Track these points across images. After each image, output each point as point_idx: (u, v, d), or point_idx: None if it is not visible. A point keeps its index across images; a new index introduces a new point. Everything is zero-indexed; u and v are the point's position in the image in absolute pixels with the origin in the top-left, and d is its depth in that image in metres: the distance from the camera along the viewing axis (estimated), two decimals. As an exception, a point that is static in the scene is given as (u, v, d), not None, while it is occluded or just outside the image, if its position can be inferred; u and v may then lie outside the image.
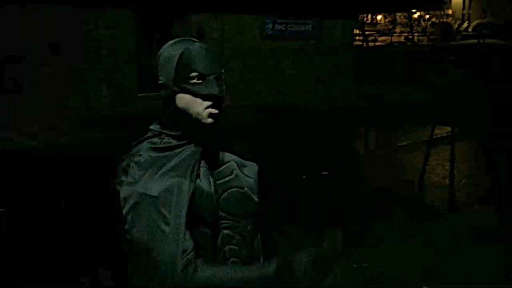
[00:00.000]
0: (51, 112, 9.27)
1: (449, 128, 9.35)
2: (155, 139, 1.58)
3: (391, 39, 31.34)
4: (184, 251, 1.44)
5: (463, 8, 41.91)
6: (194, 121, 1.54)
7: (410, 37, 30.77)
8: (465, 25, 35.91)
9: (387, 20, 40.98)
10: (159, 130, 1.60)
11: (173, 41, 1.60)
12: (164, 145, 1.55)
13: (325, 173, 7.20)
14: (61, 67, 9.49)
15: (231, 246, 1.57)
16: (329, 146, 8.93)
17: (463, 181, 7.08)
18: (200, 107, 1.53)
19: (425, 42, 30.34)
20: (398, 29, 35.81)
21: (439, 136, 9.15)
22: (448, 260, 4.55)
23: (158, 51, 1.63)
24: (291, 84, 12.85)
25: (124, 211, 1.49)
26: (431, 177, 7.21)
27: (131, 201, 1.48)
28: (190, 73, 1.52)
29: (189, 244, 1.46)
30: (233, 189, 1.60)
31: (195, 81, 1.52)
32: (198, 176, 1.53)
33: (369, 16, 43.45)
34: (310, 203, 6.01)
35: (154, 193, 1.47)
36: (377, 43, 27.89)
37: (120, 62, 10.34)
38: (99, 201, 3.73)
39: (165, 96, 1.58)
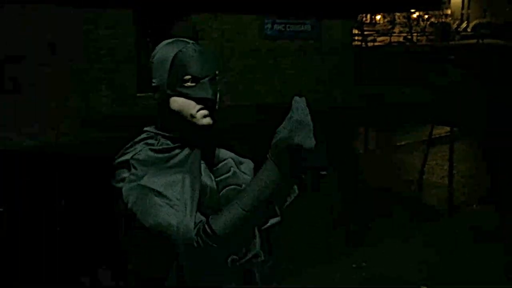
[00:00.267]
0: (51, 112, 9.27)
1: (448, 128, 9.39)
2: (151, 141, 1.58)
3: (390, 39, 31.37)
4: (200, 221, 1.45)
5: (462, 8, 41.96)
6: (189, 123, 1.54)
7: (409, 37, 30.80)
8: (464, 25, 35.96)
9: (386, 20, 40.95)
10: (155, 132, 1.60)
11: (166, 42, 1.59)
12: (161, 147, 1.55)
13: (324, 172, 7.19)
14: (61, 67, 9.49)
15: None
16: (329, 146, 8.91)
17: (462, 180, 7.09)
18: (194, 110, 1.52)
19: (424, 42, 30.36)
20: (397, 29, 35.81)
21: (438, 136, 9.18)
22: (448, 260, 4.55)
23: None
24: (291, 84, 12.85)
25: (129, 206, 1.48)
26: (430, 177, 7.21)
27: (135, 195, 1.48)
28: (184, 76, 1.51)
29: (202, 218, 1.46)
30: (231, 187, 1.60)
31: (188, 84, 1.52)
32: (201, 173, 1.54)
33: (368, 16, 43.47)
34: (309, 203, 6.00)
35: (158, 188, 1.47)
36: (376, 43, 27.93)
37: (119, 62, 10.34)
38: (98, 201, 3.74)
39: (158, 98, 1.58)
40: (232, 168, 1.63)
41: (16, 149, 7.97)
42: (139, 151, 1.54)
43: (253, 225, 1.60)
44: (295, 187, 1.71)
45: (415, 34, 32.71)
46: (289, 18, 12.82)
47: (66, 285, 4.09)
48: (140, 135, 1.61)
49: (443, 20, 36.64)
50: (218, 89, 1.57)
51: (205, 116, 1.53)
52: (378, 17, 44.96)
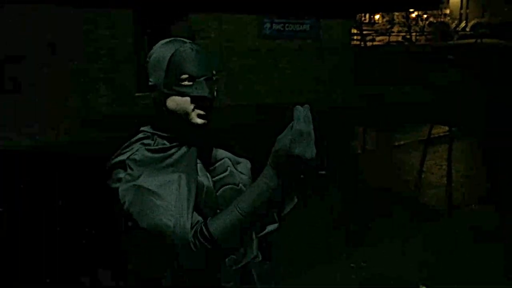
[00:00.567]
0: (51, 112, 9.26)
1: (447, 128, 9.40)
2: (147, 141, 1.58)
3: (389, 38, 31.38)
4: (197, 222, 1.46)
5: (461, 7, 41.97)
6: (185, 122, 1.55)
7: (408, 36, 30.79)
8: (463, 24, 35.94)
9: (385, 19, 40.96)
10: (151, 131, 1.60)
11: (163, 41, 1.60)
12: (158, 147, 1.56)
13: (322, 172, 7.20)
14: (61, 67, 9.48)
15: None
16: (328, 146, 8.93)
17: (461, 180, 7.10)
18: (190, 108, 1.54)
19: (423, 42, 30.37)
20: (396, 29, 35.82)
21: (436, 135, 9.18)
22: (447, 260, 4.56)
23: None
24: (290, 84, 12.85)
25: (125, 206, 1.49)
26: (429, 176, 7.22)
27: (131, 195, 1.48)
28: (181, 75, 1.52)
29: (199, 218, 1.47)
30: (228, 186, 1.61)
31: (185, 83, 1.53)
32: (197, 173, 1.54)
33: (367, 15, 43.48)
34: (308, 202, 6.02)
35: (154, 188, 1.47)
36: (375, 43, 27.94)
37: (119, 62, 10.34)
38: (98, 201, 3.74)
39: (155, 97, 1.59)
40: (229, 168, 1.64)
41: (16, 149, 7.98)
42: (136, 151, 1.55)
43: (251, 229, 1.61)
44: (294, 195, 1.72)
45: (414, 34, 32.71)
46: (288, 18, 12.82)
47: (66, 285, 4.10)
48: (136, 135, 1.62)
49: (441, 19, 36.69)
50: (215, 89, 1.58)
51: (200, 115, 1.54)
52: (377, 16, 44.95)
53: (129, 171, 1.51)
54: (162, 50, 1.56)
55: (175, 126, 1.57)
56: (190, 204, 1.46)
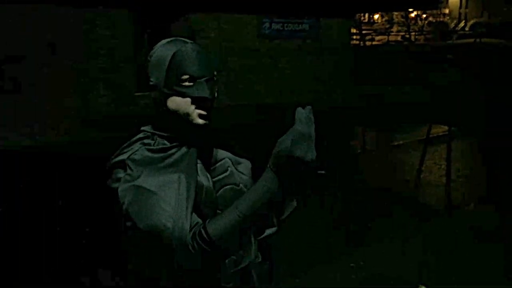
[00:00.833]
0: (51, 112, 9.26)
1: (446, 127, 9.39)
2: (147, 140, 1.58)
3: (388, 38, 31.37)
4: (196, 223, 1.46)
5: (460, 7, 42.02)
6: (185, 123, 1.55)
7: (407, 36, 30.79)
8: (462, 24, 35.96)
9: (384, 19, 40.98)
10: (151, 131, 1.60)
11: (164, 41, 1.60)
12: (158, 147, 1.56)
13: (322, 172, 7.21)
14: (60, 67, 9.48)
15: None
16: (328, 146, 8.93)
17: (460, 180, 7.10)
18: (190, 109, 1.53)
19: (422, 41, 30.38)
20: (395, 28, 35.84)
21: (436, 135, 9.18)
22: (447, 260, 4.57)
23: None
24: (290, 84, 12.86)
25: (124, 206, 1.49)
26: (428, 176, 7.23)
27: (131, 196, 1.48)
28: (181, 75, 1.52)
29: (198, 220, 1.47)
30: (229, 186, 1.61)
31: (186, 83, 1.52)
32: (197, 173, 1.54)
33: (366, 15, 43.49)
34: (308, 202, 6.02)
35: (153, 188, 1.47)
36: (374, 42, 27.94)
37: (118, 62, 10.34)
38: (98, 201, 3.74)
39: (155, 97, 1.58)
40: (229, 168, 1.64)
41: (16, 149, 7.98)
42: (136, 151, 1.55)
43: (250, 231, 1.61)
44: (294, 198, 1.72)
45: (413, 34, 32.72)
46: (287, 18, 12.82)
47: (66, 285, 4.10)
48: (137, 135, 1.62)
49: (441, 19, 36.70)
50: (216, 89, 1.58)
51: (200, 116, 1.54)
52: (376, 16, 44.96)
53: (128, 171, 1.51)
54: (163, 50, 1.56)
55: (176, 126, 1.57)
56: (189, 205, 1.46)
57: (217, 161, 1.64)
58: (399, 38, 31.42)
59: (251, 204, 1.43)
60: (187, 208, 1.46)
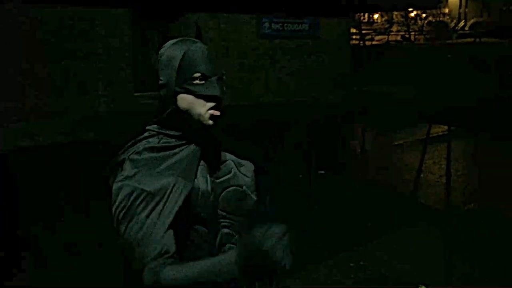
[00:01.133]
0: (49, 112, 9.26)
1: (446, 127, 9.40)
2: (152, 139, 1.57)
3: (388, 38, 31.38)
4: (166, 252, 1.41)
5: (460, 7, 42.03)
6: (195, 122, 1.55)
7: (407, 36, 30.83)
8: (462, 23, 35.98)
9: (384, 19, 40.98)
10: (157, 130, 1.59)
11: (174, 41, 1.60)
12: (162, 145, 1.55)
13: (321, 172, 7.21)
14: (58, 67, 9.48)
15: (231, 245, 1.56)
16: (327, 145, 8.93)
17: (460, 179, 7.11)
18: (203, 109, 1.53)
19: (422, 41, 30.39)
20: (394, 28, 35.83)
21: (435, 134, 9.18)
22: (446, 260, 4.56)
23: (154, 50, 1.63)
24: (289, 84, 12.86)
25: (115, 205, 1.46)
26: (428, 175, 7.23)
27: (123, 194, 1.46)
28: (193, 73, 1.53)
29: (172, 247, 1.43)
30: (232, 188, 1.60)
31: (197, 81, 1.53)
32: (195, 175, 1.53)
33: (366, 15, 43.49)
34: (307, 202, 6.02)
35: (148, 188, 1.45)
36: (374, 42, 27.94)
37: (117, 62, 10.33)
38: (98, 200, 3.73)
39: (165, 96, 1.58)
40: (233, 170, 1.63)
41: (16, 149, 7.98)
42: (138, 149, 1.53)
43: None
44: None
45: (412, 33, 32.74)
46: (287, 17, 12.82)
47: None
48: (142, 134, 1.61)
49: (440, 19, 36.71)
50: (225, 89, 1.58)
51: (211, 117, 1.54)
52: (376, 16, 44.97)
53: (127, 169, 1.50)
54: (173, 49, 1.57)
55: (183, 125, 1.56)
56: (166, 222, 1.43)
57: (221, 162, 1.63)
58: (399, 38, 31.43)
59: (201, 276, 1.37)
60: (162, 225, 1.42)
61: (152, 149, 1.53)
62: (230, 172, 1.62)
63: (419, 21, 37.20)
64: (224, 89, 1.58)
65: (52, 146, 8.37)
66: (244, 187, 1.63)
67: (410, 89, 14.14)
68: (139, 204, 1.44)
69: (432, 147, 8.44)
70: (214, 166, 1.60)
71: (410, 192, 6.64)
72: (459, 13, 41.47)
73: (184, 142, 1.56)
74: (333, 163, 7.74)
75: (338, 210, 5.86)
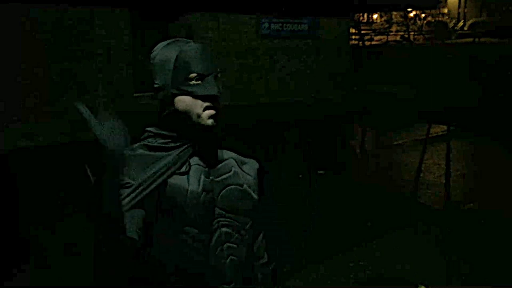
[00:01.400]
0: (48, 113, 9.26)
1: (445, 127, 9.41)
2: (150, 140, 1.57)
3: (387, 38, 31.37)
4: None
5: (459, 6, 42.04)
6: (193, 123, 1.53)
7: (406, 36, 30.80)
8: (461, 23, 35.99)
9: (383, 19, 40.96)
10: (155, 132, 1.58)
11: (166, 42, 1.58)
12: (158, 145, 1.54)
13: (321, 172, 7.22)
14: (58, 67, 9.48)
15: (229, 244, 1.56)
16: (327, 145, 8.94)
17: (459, 179, 7.11)
18: (200, 109, 1.51)
19: (421, 41, 30.39)
20: (394, 28, 35.80)
21: (435, 134, 9.20)
22: (446, 259, 4.57)
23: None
24: (288, 84, 12.86)
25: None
26: (428, 175, 7.23)
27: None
28: (189, 74, 1.51)
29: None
30: (232, 187, 1.59)
31: (194, 82, 1.51)
32: (184, 173, 1.52)
33: (365, 15, 43.49)
34: (306, 202, 6.02)
35: (133, 181, 1.46)
36: (373, 42, 27.95)
37: (116, 62, 10.33)
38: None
39: (162, 99, 1.56)
40: (233, 168, 1.62)
41: (15, 149, 7.98)
42: (133, 148, 1.54)
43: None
44: None
45: (412, 33, 32.73)
46: (286, 18, 12.82)
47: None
48: (142, 134, 1.61)
49: (439, 19, 36.70)
50: (221, 87, 1.56)
51: (210, 117, 1.52)
52: (375, 16, 44.97)
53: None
54: (166, 51, 1.55)
55: (182, 127, 1.55)
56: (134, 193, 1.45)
57: (220, 161, 1.61)
58: (398, 38, 31.42)
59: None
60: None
61: (146, 147, 1.54)
62: (230, 170, 1.61)
63: (418, 21, 37.16)
64: (220, 86, 1.56)
65: (52, 146, 8.37)
66: (244, 185, 1.61)
67: (410, 89, 14.14)
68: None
69: (432, 147, 8.45)
70: (212, 166, 1.59)
71: (410, 192, 6.65)
72: (458, 13, 41.49)
73: (180, 143, 1.55)
74: (333, 163, 7.75)
75: (338, 210, 5.86)
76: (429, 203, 6.29)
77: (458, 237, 5.06)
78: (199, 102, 1.51)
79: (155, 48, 1.58)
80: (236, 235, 1.58)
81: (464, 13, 40.91)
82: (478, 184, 7.00)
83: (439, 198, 6.45)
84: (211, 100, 1.52)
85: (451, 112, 8.43)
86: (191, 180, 1.52)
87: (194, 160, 1.56)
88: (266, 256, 1.72)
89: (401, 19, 34.74)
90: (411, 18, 36.01)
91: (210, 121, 1.52)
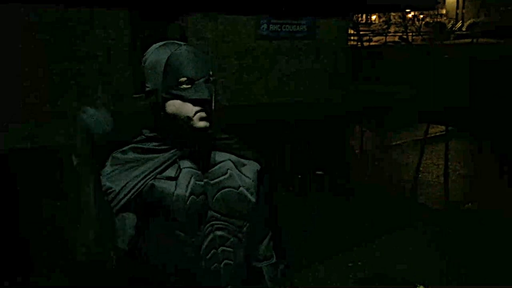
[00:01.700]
0: (48, 113, 9.25)
1: (443, 127, 9.42)
2: (145, 142, 1.56)
3: (386, 39, 31.40)
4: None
5: (457, 7, 42.07)
6: (184, 126, 1.51)
7: (405, 36, 30.83)
8: (459, 24, 36.03)
9: (381, 20, 40.98)
10: (147, 134, 1.58)
11: (157, 45, 1.57)
12: (149, 147, 1.54)
13: (320, 172, 7.22)
14: (57, 68, 9.47)
15: (225, 248, 1.54)
16: (326, 145, 8.94)
17: (458, 179, 7.12)
18: (191, 113, 1.49)
19: (419, 42, 30.42)
20: (392, 29, 35.83)
21: (433, 134, 9.21)
22: (445, 259, 4.58)
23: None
24: (287, 84, 12.86)
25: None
26: (426, 176, 7.24)
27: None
28: (179, 78, 1.49)
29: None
30: (227, 189, 1.57)
31: (184, 86, 1.49)
32: (173, 178, 1.51)
33: (364, 16, 43.52)
34: (306, 202, 6.03)
35: (117, 188, 1.46)
36: (372, 43, 27.96)
37: (115, 63, 10.32)
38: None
39: (153, 103, 1.54)
40: (229, 171, 1.59)
41: (15, 150, 7.97)
42: (124, 148, 1.54)
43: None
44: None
45: (410, 34, 32.76)
46: (285, 18, 12.83)
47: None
48: (138, 136, 1.61)
49: (438, 19, 36.73)
50: (214, 89, 1.55)
51: (201, 119, 1.50)
52: (373, 17, 44.99)
53: (107, 165, 1.52)
54: (156, 55, 1.53)
55: (174, 130, 1.54)
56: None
57: (215, 164, 1.59)
58: (396, 39, 31.45)
59: None
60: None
61: (137, 149, 1.54)
62: (225, 173, 1.58)
63: (416, 22, 37.18)
64: (214, 89, 1.54)
65: (51, 147, 8.36)
66: (240, 188, 1.58)
67: (408, 90, 14.15)
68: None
69: (430, 147, 8.46)
70: (206, 169, 1.57)
71: (409, 192, 6.66)
72: (457, 14, 41.53)
73: (171, 146, 1.54)
74: (333, 163, 7.75)
75: (338, 210, 5.87)
76: (428, 203, 6.31)
77: (457, 237, 5.07)
78: (190, 106, 1.50)
79: (147, 51, 1.58)
80: (232, 238, 1.56)
81: (462, 14, 40.95)
82: (477, 184, 7.01)
83: (438, 198, 6.46)
84: (202, 104, 1.50)
85: (450, 112, 8.44)
86: (179, 183, 1.50)
87: (186, 163, 1.54)
88: (274, 257, 1.72)
89: (399, 20, 34.76)
90: (410, 19, 36.02)
91: (202, 123, 1.50)
